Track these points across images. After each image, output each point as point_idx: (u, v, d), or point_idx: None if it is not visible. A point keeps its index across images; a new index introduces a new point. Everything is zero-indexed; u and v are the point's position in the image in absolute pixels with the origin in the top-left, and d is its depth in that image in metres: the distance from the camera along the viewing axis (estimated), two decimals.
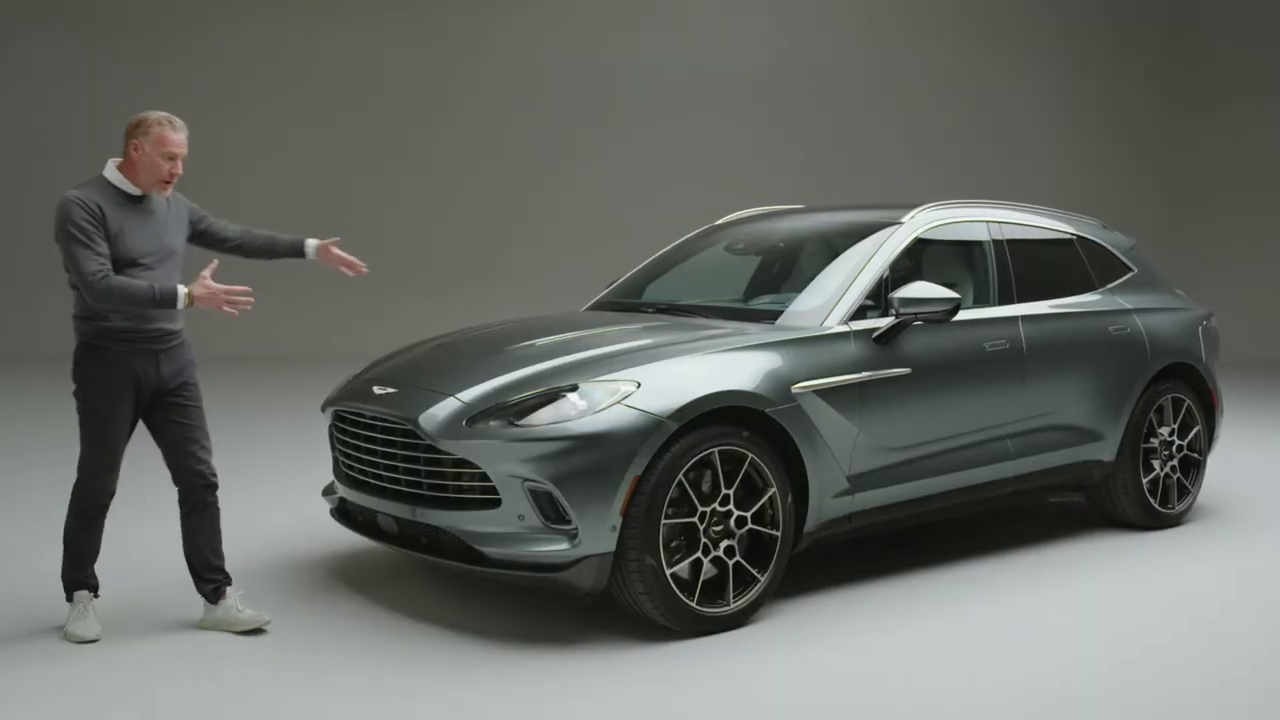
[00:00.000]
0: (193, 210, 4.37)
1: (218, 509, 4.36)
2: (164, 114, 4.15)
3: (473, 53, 13.81)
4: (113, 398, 4.11)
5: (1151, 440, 5.72)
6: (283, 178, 13.33)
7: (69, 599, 4.26)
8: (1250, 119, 13.94)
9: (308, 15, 13.64)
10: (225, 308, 4.04)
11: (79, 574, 4.26)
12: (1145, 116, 14.61)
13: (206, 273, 4.05)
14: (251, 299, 4.06)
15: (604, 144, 13.93)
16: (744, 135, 13.95)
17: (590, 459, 4.01)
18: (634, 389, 4.15)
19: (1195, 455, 5.91)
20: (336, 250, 4.58)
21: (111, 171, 4.12)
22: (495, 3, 13.89)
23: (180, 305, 4.02)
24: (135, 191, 4.12)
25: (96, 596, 4.28)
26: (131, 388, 4.13)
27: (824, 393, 4.50)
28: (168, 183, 4.13)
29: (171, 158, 4.09)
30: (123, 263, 4.01)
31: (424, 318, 10.57)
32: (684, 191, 13.30)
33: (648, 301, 5.54)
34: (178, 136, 4.11)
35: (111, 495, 4.23)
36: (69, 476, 4.23)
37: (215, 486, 4.33)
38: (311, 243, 4.56)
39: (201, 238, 4.40)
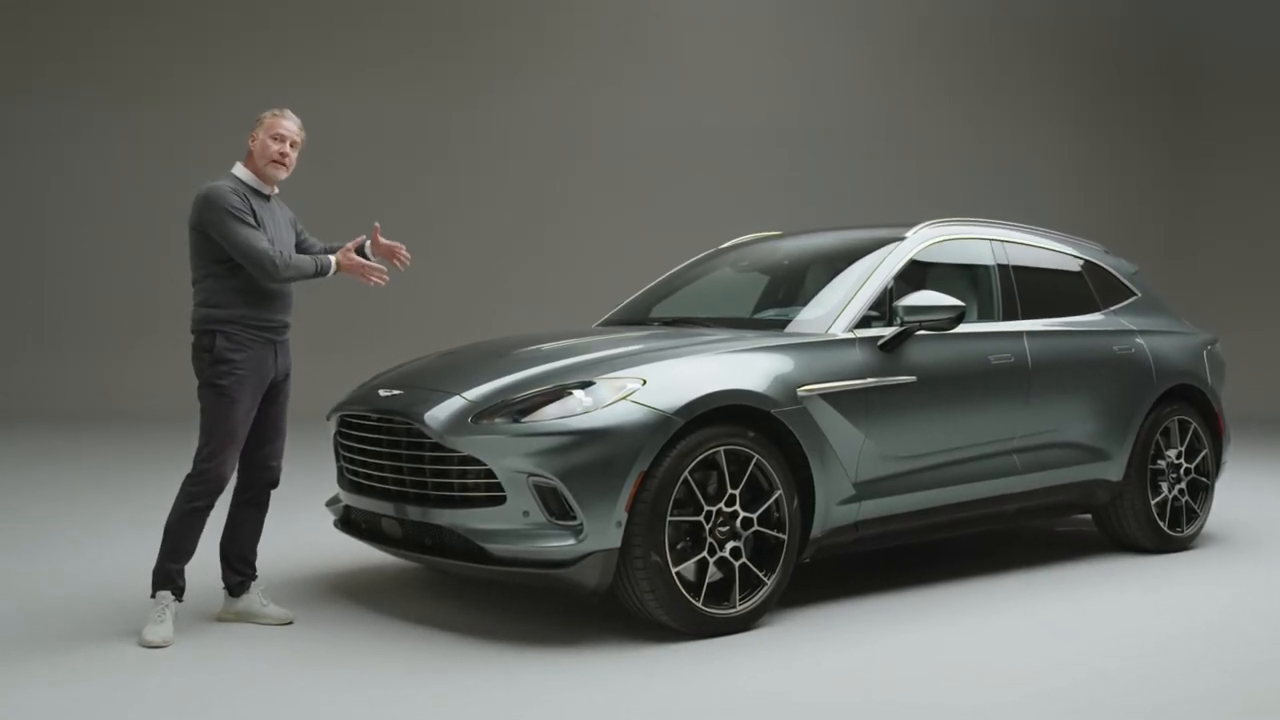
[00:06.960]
0: (294, 219, 4.56)
1: (267, 508, 4.49)
2: (279, 109, 4.38)
3: (470, 109, 13.91)
4: (240, 379, 4.18)
5: (1159, 462, 5.69)
6: None
7: (152, 594, 4.18)
8: (1251, 167, 14.08)
9: (307, 74, 13.66)
10: (373, 279, 4.34)
11: (171, 568, 4.18)
12: (1146, 169, 14.76)
13: (351, 245, 4.35)
14: (387, 277, 4.35)
15: (603, 198, 14.00)
16: (745, 189, 14.02)
17: (596, 454, 4.00)
18: (640, 386, 4.15)
19: (1203, 479, 5.88)
20: (382, 239, 4.66)
21: (239, 169, 4.36)
22: (494, 58, 14.04)
23: (330, 273, 4.28)
24: (264, 189, 4.33)
25: (179, 600, 4.21)
26: (257, 374, 4.23)
27: (830, 397, 4.49)
28: (277, 163, 4.29)
29: (279, 139, 4.29)
30: None
31: None
32: (686, 242, 13.31)
33: (655, 318, 5.56)
34: (287, 122, 4.34)
35: (225, 486, 4.23)
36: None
37: (276, 485, 4.46)
38: (360, 240, 4.61)
39: (297, 248, 4.54)
